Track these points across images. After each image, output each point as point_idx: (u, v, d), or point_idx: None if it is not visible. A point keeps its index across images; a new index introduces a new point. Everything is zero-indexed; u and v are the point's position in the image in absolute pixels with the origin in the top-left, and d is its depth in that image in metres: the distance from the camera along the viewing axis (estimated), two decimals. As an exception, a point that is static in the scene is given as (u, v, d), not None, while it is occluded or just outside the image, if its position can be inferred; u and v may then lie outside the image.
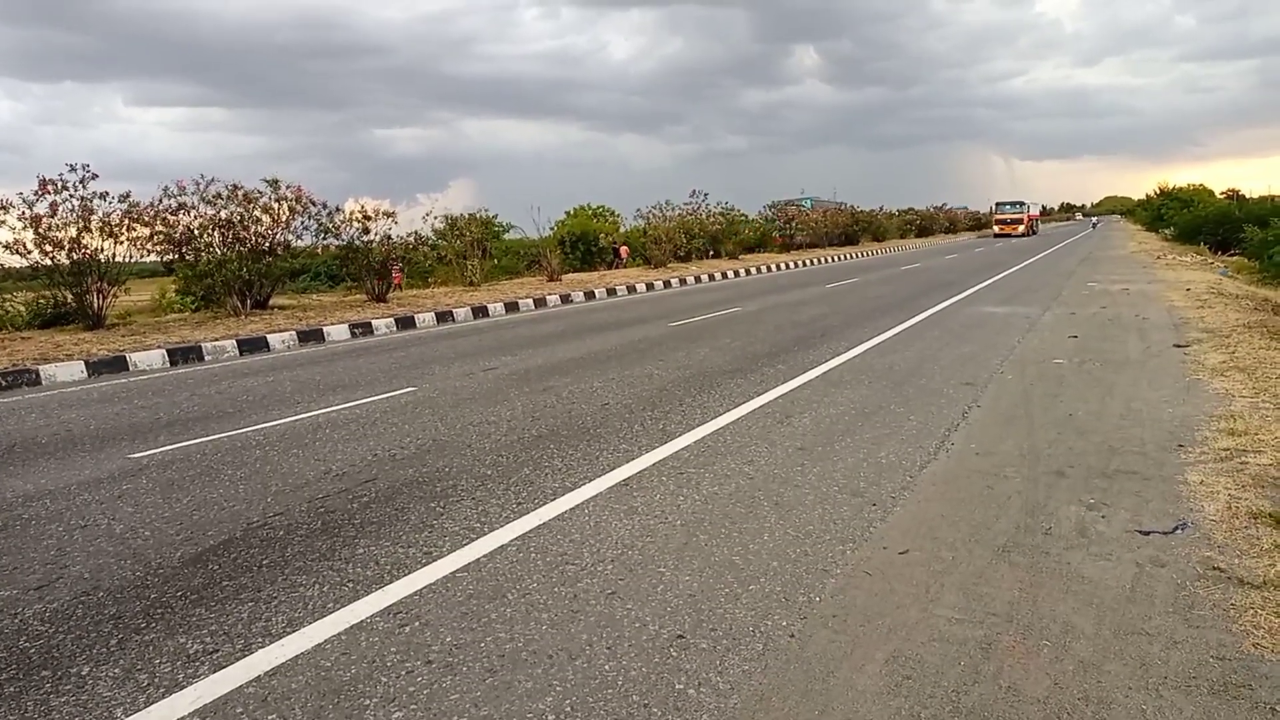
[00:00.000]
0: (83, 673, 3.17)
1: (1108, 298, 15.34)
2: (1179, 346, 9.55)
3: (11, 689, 3.08)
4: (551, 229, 30.98)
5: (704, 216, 35.23)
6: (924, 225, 73.16)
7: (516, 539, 4.35)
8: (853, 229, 52.80)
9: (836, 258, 38.00)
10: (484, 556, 4.14)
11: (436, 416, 7.38)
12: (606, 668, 3.05)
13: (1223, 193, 67.36)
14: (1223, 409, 6.45)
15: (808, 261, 34.77)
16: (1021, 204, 65.00)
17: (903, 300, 16.57)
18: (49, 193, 13.81)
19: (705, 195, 35.47)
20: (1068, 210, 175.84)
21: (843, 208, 56.51)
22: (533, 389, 8.50)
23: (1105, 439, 5.85)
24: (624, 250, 31.42)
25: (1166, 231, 49.32)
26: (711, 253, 35.97)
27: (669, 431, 6.48)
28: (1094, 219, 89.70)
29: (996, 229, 63.31)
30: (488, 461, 5.85)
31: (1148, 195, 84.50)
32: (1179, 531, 4.15)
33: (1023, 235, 60.83)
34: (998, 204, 66.28)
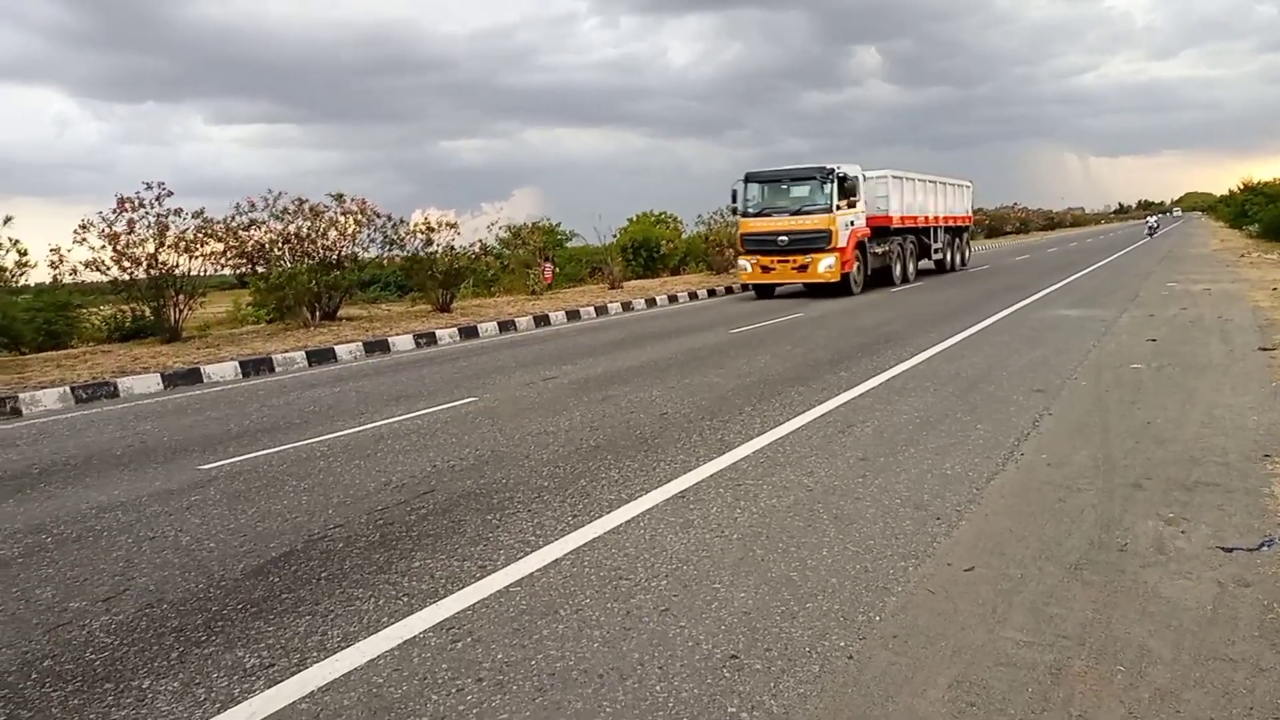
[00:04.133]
0: (143, 686, 3.22)
1: (1188, 298, 14.75)
2: (1265, 349, 9.10)
3: (76, 701, 3.15)
4: (614, 236, 31.05)
5: (766, 221, 34.80)
6: (993, 225, 71.55)
7: (570, 553, 4.31)
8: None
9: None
10: (538, 571, 4.11)
11: (496, 427, 7.41)
12: (658, 689, 2.99)
13: (1313, 186, 64.31)
14: (1314, 416, 6.12)
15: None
16: (824, 176, 19.52)
17: (970, 304, 16.17)
18: (127, 210, 14.32)
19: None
20: (1145, 208, 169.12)
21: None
22: (592, 398, 8.49)
23: (1185, 448, 5.59)
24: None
25: (1251, 228, 47.32)
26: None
27: (728, 442, 6.39)
28: (1152, 219, 57.31)
29: (746, 266, 20.67)
30: (545, 473, 5.84)
31: (1230, 190, 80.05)
32: (1265, 548, 3.92)
33: (829, 282, 19.60)
34: (748, 176, 20.75)
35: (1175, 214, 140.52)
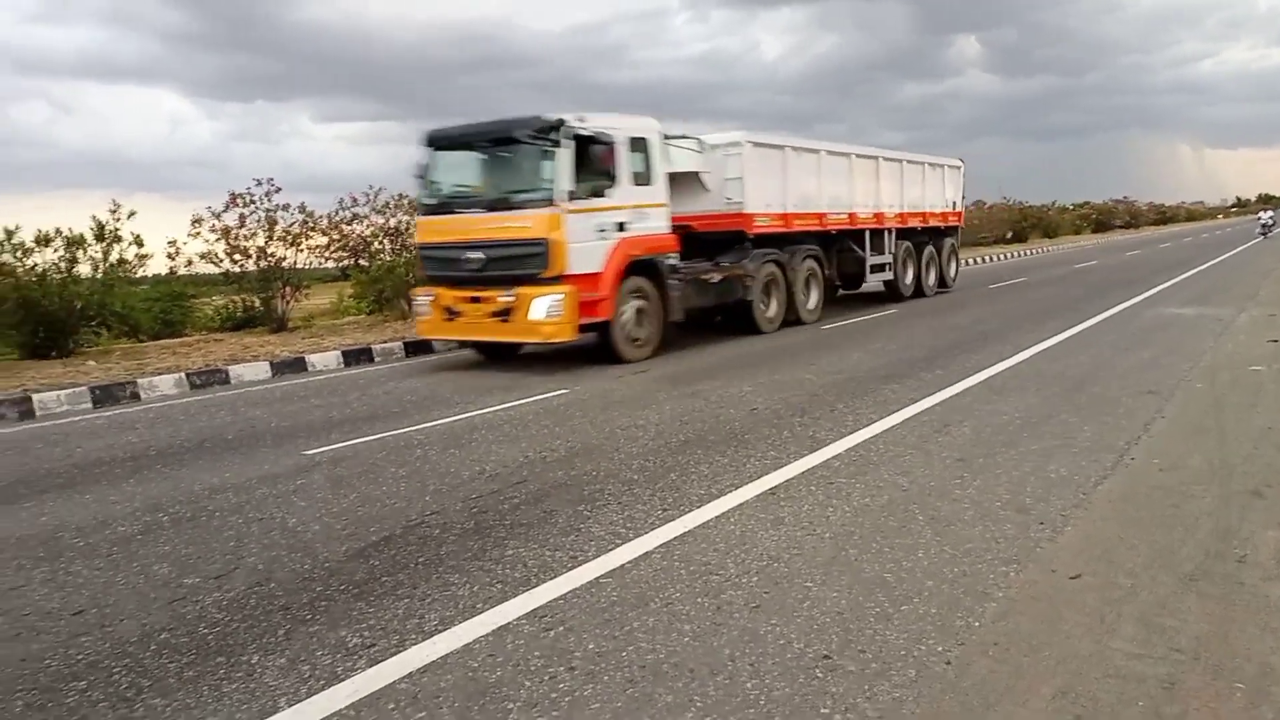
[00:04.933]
0: (252, 661, 3.37)
1: (1315, 297, 13.90)
2: (1403, 352, 8.51)
3: (191, 673, 3.31)
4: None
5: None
6: (1101, 220, 68.88)
7: (661, 546, 4.32)
8: (1021, 225, 50.12)
9: (1001, 256, 36.20)
10: (628, 563, 4.13)
11: (586, 419, 7.48)
12: (748, 686, 2.97)
13: None
14: None
15: (969, 260, 33.26)
16: (541, 136, 9.75)
17: (1075, 301, 15.56)
18: (238, 205, 14.96)
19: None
20: (1265, 201, 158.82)
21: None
22: (681, 392, 8.48)
23: (1312, 456, 5.27)
24: None
25: (1387, 222, 44.19)
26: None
27: (819, 439, 6.30)
28: (1266, 215, 45.99)
29: (424, 306, 11.07)
30: (635, 466, 5.86)
31: (1364, 183, 74.77)
32: (1404, 565, 3.66)
33: (554, 341, 10.33)
34: (431, 138, 10.92)
35: None
